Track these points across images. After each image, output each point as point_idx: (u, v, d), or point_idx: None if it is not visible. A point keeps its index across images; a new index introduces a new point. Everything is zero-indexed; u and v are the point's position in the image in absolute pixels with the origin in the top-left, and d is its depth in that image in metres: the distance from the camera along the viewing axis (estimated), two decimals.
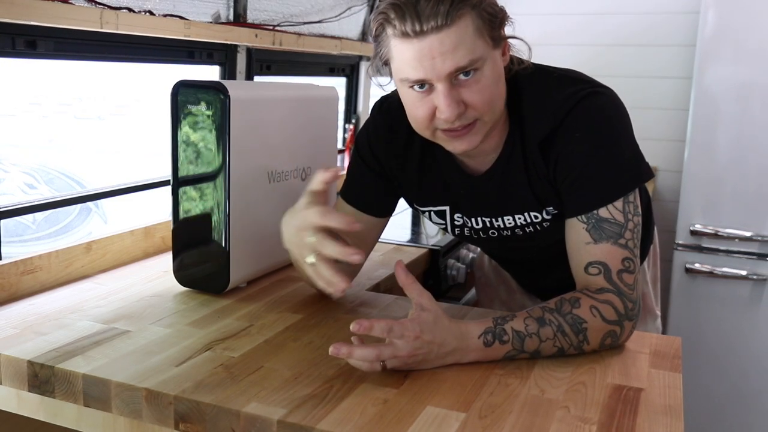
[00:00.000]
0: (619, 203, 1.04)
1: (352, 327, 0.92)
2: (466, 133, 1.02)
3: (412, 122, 1.06)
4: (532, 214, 1.14)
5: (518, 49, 1.09)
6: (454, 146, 1.05)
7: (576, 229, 1.05)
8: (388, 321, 0.93)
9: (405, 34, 0.96)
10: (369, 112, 1.34)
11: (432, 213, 1.23)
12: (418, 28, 0.94)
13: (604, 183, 1.04)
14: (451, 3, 0.94)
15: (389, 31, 0.98)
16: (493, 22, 0.99)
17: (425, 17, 0.94)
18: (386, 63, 1.03)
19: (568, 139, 1.05)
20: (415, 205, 1.25)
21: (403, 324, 0.94)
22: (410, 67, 0.98)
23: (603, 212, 1.03)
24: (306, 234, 0.98)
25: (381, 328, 0.92)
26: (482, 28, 0.97)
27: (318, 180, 1.00)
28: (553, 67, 1.13)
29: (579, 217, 1.05)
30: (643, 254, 1.45)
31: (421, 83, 0.99)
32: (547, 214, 1.13)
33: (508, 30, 1.04)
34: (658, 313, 1.53)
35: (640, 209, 1.07)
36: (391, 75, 1.05)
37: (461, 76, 0.98)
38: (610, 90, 1.09)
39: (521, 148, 1.10)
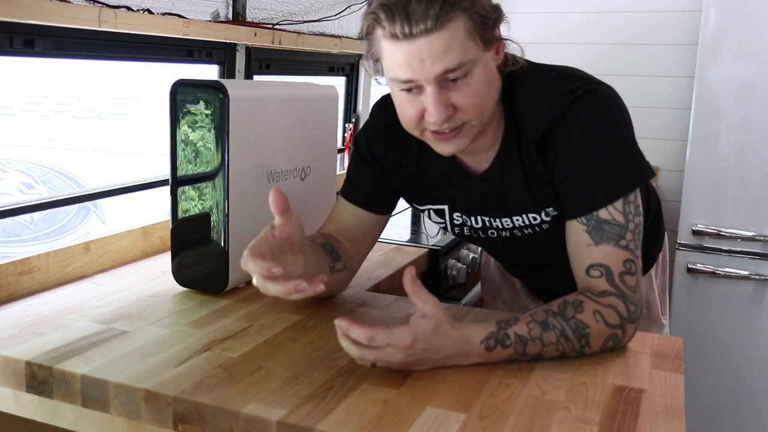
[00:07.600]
0: (619, 204, 1.02)
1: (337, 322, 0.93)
2: (453, 137, 1.01)
3: (401, 121, 1.05)
4: (530, 215, 1.13)
5: (514, 48, 1.08)
6: (442, 148, 1.04)
7: (576, 231, 1.04)
8: (371, 329, 0.90)
9: (394, 36, 0.94)
10: (369, 112, 1.33)
11: (431, 212, 1.22)
12: (407, 30, 0.93)
13: (604, 183, 1.03)
14: (442, 6, 0.92)
15: (379, 31, 0.97)
16: (486, 24, 0.97)
17: (415, 20, 0.92)
18: (377, 60, 1.02)
19: (566, 137, 1.04)
20: (414, 204, 1.25)
21: (392, 333, 0.91)
22: (399, 68, 0.97)
23: (603, 213, 1.02)
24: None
25: (359, 334, 0.91)
26: (474, 30, 0.95)
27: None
28: (550, 65, 1.11)
29: (579, 218, 1.04)
30: (651, 261, 1.43)
31: (410, 84, 0.98)
32: (546, 215, 1.12)
33: (503, 28, 1.02)
34: (664, 322, 1.50)
35: (641, 209, 1.05)
36: (382, 72, 1.04)
37: (451, 79, 0.97)
38: (608, 87, 1.08)
39: (517, 148, 1.09)
